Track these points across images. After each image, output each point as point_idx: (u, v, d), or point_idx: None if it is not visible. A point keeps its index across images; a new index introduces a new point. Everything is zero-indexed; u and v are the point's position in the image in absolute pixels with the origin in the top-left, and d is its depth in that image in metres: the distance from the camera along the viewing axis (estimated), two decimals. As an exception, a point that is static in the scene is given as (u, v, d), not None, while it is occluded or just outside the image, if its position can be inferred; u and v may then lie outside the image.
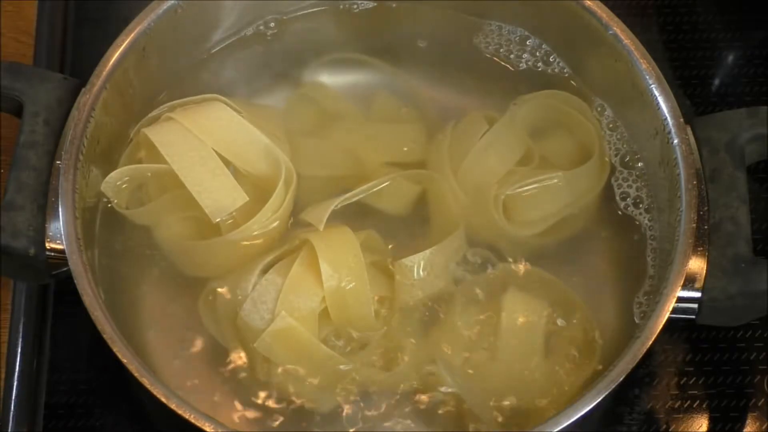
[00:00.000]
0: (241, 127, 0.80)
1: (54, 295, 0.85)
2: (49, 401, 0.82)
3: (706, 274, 0.75)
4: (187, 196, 0.77)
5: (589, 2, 0.82)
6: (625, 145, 0.84)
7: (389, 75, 0.88)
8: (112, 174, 0.80)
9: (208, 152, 0.78)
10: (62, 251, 0.74)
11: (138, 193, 0.81)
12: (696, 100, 0.94)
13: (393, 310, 0.78)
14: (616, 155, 0.84)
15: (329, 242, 0.76)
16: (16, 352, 0.83)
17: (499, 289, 0.79)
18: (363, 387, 0.77)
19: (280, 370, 0.76)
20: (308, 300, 0.75)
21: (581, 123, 0.84)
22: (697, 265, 0.75)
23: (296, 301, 0.75)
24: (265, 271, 0.77)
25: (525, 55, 0.88)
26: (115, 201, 0.80)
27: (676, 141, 0.78)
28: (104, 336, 0.71)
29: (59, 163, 0.77)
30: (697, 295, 0.75)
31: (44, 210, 0.75)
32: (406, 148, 0.85)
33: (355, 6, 0.89)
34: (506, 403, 0.76)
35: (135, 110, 0.83)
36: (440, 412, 0.77)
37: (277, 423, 0.76)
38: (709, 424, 0.82)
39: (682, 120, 0.78)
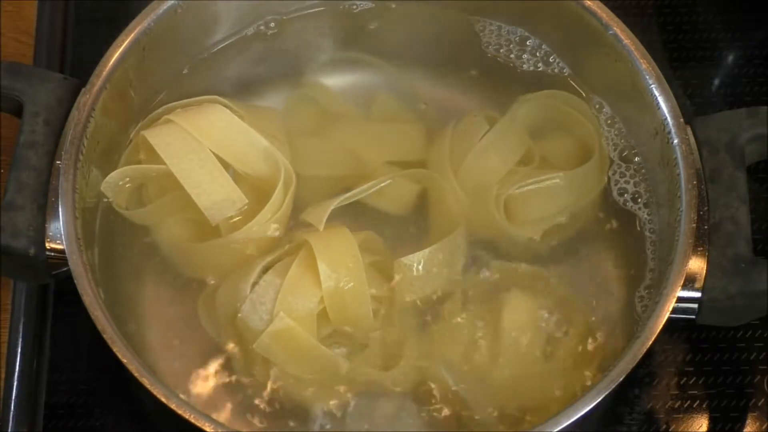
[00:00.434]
0: (240, 130, 0.80)
1: (54, 295, 0.85)
2: (49, 401, 0.82)
3: (706, 274, 0.75)
4: (187, 198, 0.78)
5: (589, 2, 0.82)
6: (623, 141, 0.84)
7: (389, 75, 0.88)
8: (112, 174, 0.80)
9: (207, 154, 0.78)
10: (62, 251, 0.74)
11: (138, 193, 0.81)
12: (696, 100, 0.94)
13: (392, 309, 0.78)
14: (614, 150, 0.84)
15: (328, 243, 0.76)
16: (16, 352, 0.83)
17: (499, 289, 0.79)
18: (362, 387, 0.77)
19: (279, 370, 0.76)
20: (306, 300, 0.75)
21: (581, 123, 0.84)
22: (697, 265, 0.75)
23: (294, 302, 0.75)
24: (264, 272, 0.77)
25: (525, 55, 0.88)
26: (115, 201, 0.80)
27: (676, 141, 0.78)
28: (104, 336, 0.71)
29: (59, 163, 0.76)
30: (697, 295, 0.74)
31: (44, 210, 0.75)
32: (406, 148, 0.85)
33: (355, 6, 0.89)
34: (507, 402, 0.76)
35: (135, 110, 0.83)
36: (440, 412, 0.77)
37: (277, 423, 0.76)
38: (709, 424, 0.82)
39: (682, 120, 0.78)
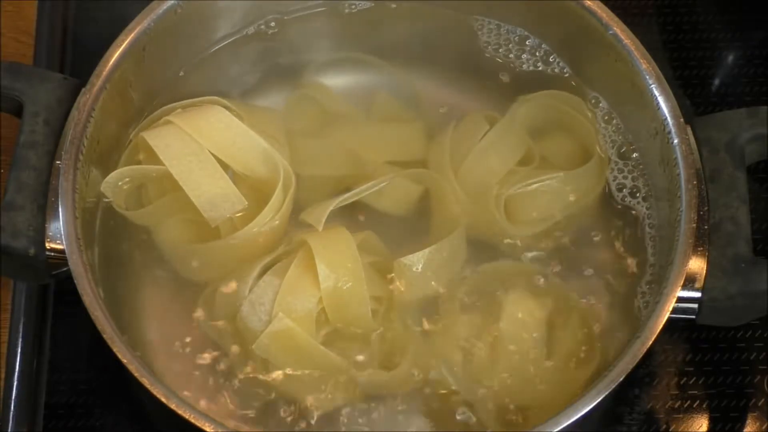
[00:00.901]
0: (239, 131, 0.80)
1: (54, 295, 0.85)
2: (49, 401, 0.82)
3: (706, 274, 0.75)
4: (187, 199, 0.78)
5: (589, 2, 0.82)
6: (620, 137, 0.84)
7: (389, 75, 0.88)
8: (112, 174, 0.80)
9: (206, 156, 0.78)
10: (62, 251, 0.74)
11: (138, 193, 0.81)
12: (696, 100, 0.94)
13: (392, 310, 0.78)
14: (612, 146, 0.84)
15: (326, 243, 0.76)
16: (16, 352, 0.83)
17: (499, 289, 0.79)
18: (362, 387, 0.77)
19: (279, 371, 0.76)
20: (305, 301, 0.75)
21: (581, 123, 0.84)
22: (697, 265, 0.75)
23: (293, 302, 0.75)
24: (263, 272, 0.77)
25: (524, 55, 0.88)
26: (115, 201, 0.80)
27: (676, 141, 0.78)
28: (104, 336, 0.71)
29: (59, 163, 0.76)
30: (697, 295, 0.74)
31: (44, 210, 0.75)
32: (406, 148, 0.85)
33: (355, 6, 0.89)
34: (507, 402, 0.76)
35: (135, 110, 0.83)
36: (440, 412, 0.77)
37: (277, 423, 0.76)
38: (709, 424, 0.82)
39: (682, 120, 0.78)
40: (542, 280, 0.80)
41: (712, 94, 0.95)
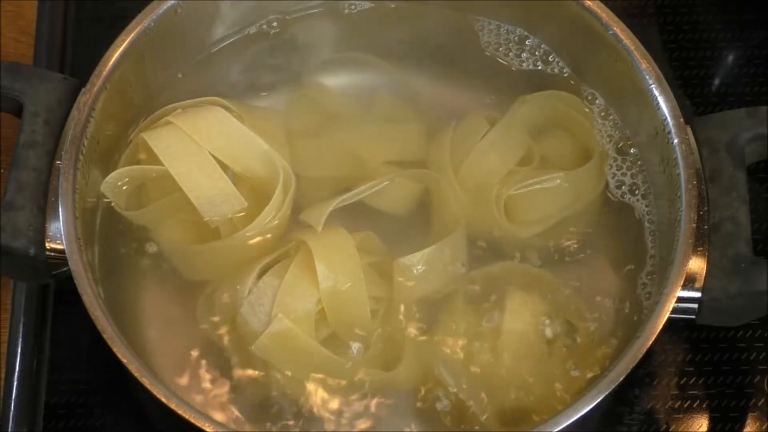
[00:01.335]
0: (239, 132, 0.80)
1: (54, 295, 0.85)
2: (49, 401, 0.82)
3: (706, 274, 0.75)
4: (187, 199, 0.78)
5: (589, 2, 0.82)
6: (618, 132, 0.84)
7: (389, 75, 0.88)
8: (112, 174, 0.80)
9: (206, 157, 0.78)
10: (62, 251, 0.74)
11: (138, 193, 0.81)
12: (696, 100, 0.94)
13: (391, 310, 0.78)
14: (609, 142, 0.84)
15: (325, 243, 0.76)
16: (16, 352, 0.83)
17: (500, 289, 0.79)
18: (362, 387, 0.77)
19: (279, 371, 0.76)
20: (304, 301, 0.75)
21: (581, 123, 0.84)
22: (697, 265, 0.75)
23: (292, 303, 0.75)
24: (263, 273, 0.77)
25: (524, 55, 0.88)
26: (115, 202, 0.80)
27: (676, 141, 0.78)
28: (104, 336, 0.71)
29: (59, 163, 0.76)
30: (697, 295, 0.74)
31: (44, 210, 0.75)
32: (406, 148, 0.85)
33: (355, 6, 0.89)
34: (507, 403, 0.76)
35: (135, 110, 0.83)
36: (440, 412, 0.77)
37: (277, 423, 0.76)
38: (709, 424, 0.82)
39: (682, 120, 0.78)
40: (542, 280, 0.80)
41: (712, 94, 0.95)
